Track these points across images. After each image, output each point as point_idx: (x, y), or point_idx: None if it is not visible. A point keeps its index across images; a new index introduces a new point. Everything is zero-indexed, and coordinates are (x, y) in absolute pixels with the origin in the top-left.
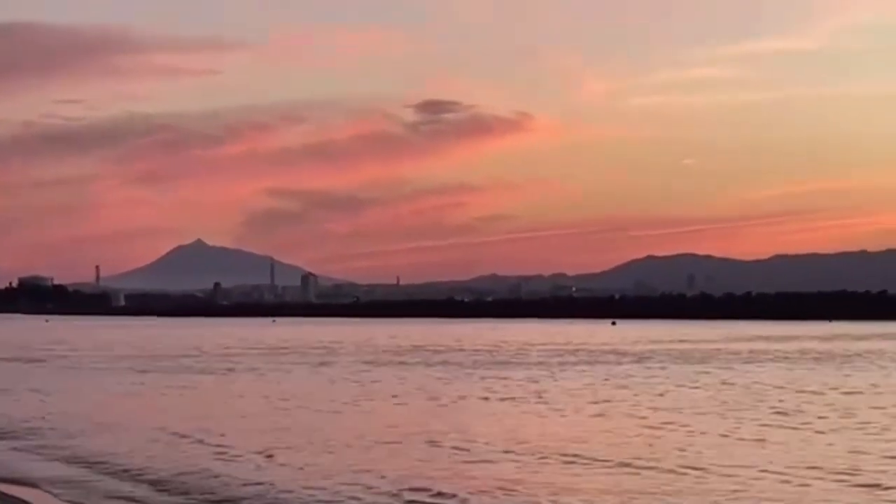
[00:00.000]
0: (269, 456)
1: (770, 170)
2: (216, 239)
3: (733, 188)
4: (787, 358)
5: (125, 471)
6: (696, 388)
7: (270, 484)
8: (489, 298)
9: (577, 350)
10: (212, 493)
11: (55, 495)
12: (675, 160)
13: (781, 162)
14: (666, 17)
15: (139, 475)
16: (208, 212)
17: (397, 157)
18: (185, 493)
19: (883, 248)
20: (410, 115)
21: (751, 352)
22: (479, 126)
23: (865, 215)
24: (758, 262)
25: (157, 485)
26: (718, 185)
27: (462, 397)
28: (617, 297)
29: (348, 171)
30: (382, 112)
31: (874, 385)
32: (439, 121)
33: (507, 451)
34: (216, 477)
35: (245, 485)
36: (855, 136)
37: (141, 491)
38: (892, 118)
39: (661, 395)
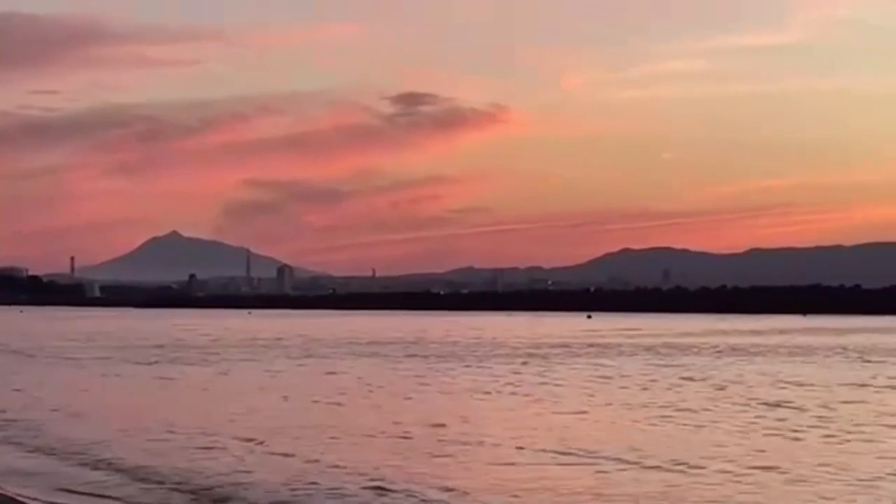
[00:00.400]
0: (258, 444)
1: (746, 164)
2: (192, 230)
3: (709, 182)
4: (760, 352)
5: (101, 461)
6: (674, 382)
7: (249, 474)
8: (465, 291)
9: (557, 343)
10: (185, 483)
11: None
12: (652, 154)
13: (757, 156)
14: (644, 11)
15: (113, 465)
16: (184, 203)
17: (374, 149)
18: (159, 482)
19: (858, 242)
20: (387, 107)
21: (727, 346)
22: (456, 118)
23: (840, 210)
24: (733, 256)
25: (129, 473)
26: (694, 180)
27: (453, 390)
28: (592, 290)
29: (325, 162)
30: (359, 104)
31: (857, 380)
32: (416, 113)
33: (504, 447)
34: (195, 466)
35: (223, 474)
36: (831, 132)
37: (113, 480)
38: (867, 114)
39: (646, 388)
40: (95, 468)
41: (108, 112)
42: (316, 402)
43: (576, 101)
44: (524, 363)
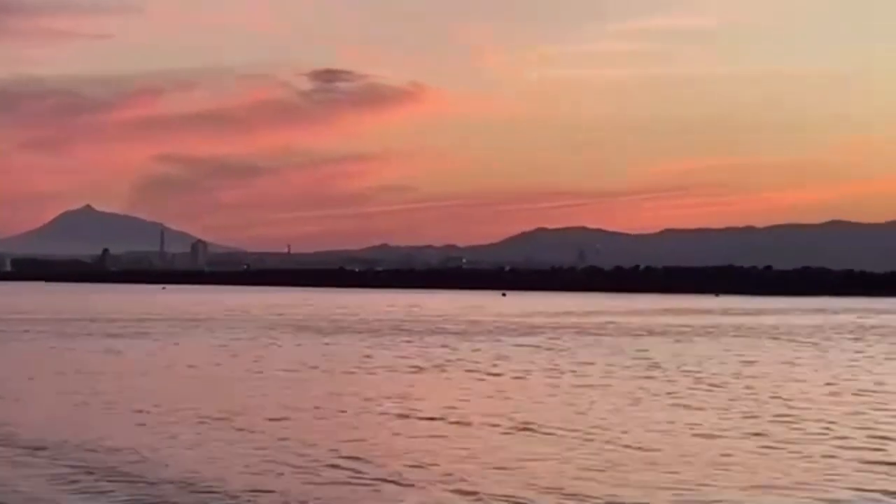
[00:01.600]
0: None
1: (661, 146)
2: (106, 205)
3: (624, 163)
4: (667, 333)
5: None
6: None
7: (165, 451)
8: (380, 269)
9: (476, 321)
10: (88, 462)
11: None
12: (568, 134)
13: (672, 138)
14: None
15: (18, 440)
16: (99, 177)
17: (291, 125)
18: (56, 457)
19: (769, 224)
20: (305, 84)
21: (639, 325)
22: (374, 96)
23: (753, 192)
24: (647, 236)
25: (43, 450)
26: (609, 160)
27: (388, 366)
28: (507, 268)
29: (241, 139)
30: (277, 80)
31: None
32: (334, 90)
33: (441, 420)
34: (113, 442)
35: (139, 451)
36: (744, 114)
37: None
38: (781, 97)
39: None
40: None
41: (22, 85)
42: (236, 378)
43: (494, 80)
44: (449, 341)
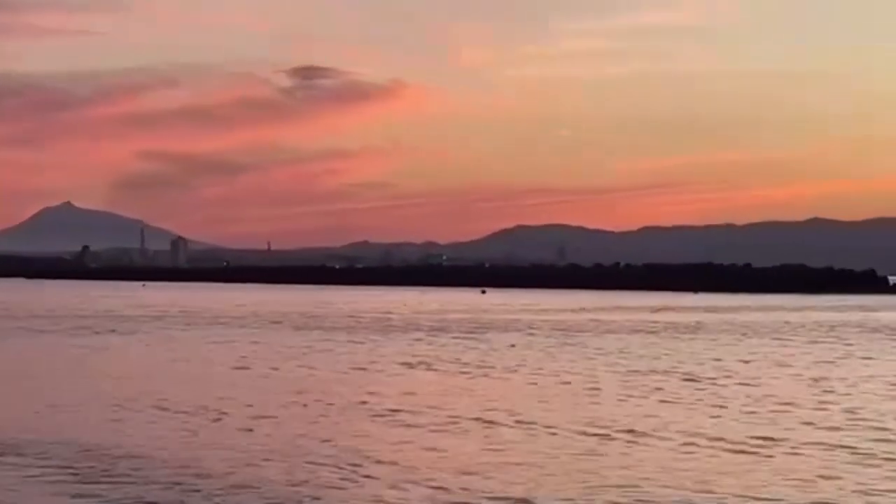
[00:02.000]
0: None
1: (640, 143)
2: (86, 201)
3: (604, 160)
4: (646, 330)
5: None
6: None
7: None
8: (360, 265)
9: (459, 318)
10: (73, 461)
11: None
12: (549, 131)
13: (652, 135)
14: None
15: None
16: (78, 174)
17: (271, 122)
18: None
19: (749, 221)
20: (285, 81)
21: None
22: (354, 92)
23: (733, 189)
24: (627, 233)
25: (29, 449)
26: (590, 157)
27: (381, 364)
28: (487, 265)
29: (222, 135)
30: (257, 77)
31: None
32: (314, 86)
33: (439, 418)
34: (102, 441)
35: (130, 449)
36: (725, 112)
37: None
38: (760, 95)
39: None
40: None
41: (4, 80)
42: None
43: (475, 77)
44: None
